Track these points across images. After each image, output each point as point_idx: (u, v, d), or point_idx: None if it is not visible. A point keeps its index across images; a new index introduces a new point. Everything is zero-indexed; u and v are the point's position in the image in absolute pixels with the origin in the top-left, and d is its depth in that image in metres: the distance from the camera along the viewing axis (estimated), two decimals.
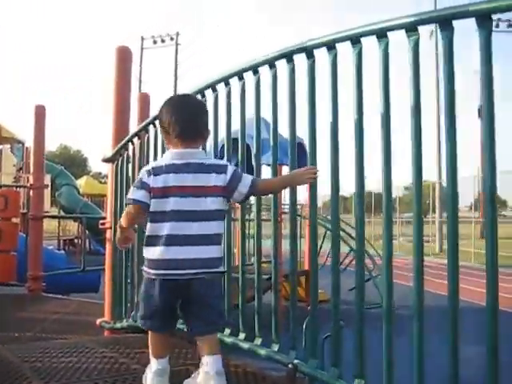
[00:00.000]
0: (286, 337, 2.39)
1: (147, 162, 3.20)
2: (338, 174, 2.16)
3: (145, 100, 5.56)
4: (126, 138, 3.75)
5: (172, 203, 2.14)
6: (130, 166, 3.70)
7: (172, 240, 2.13)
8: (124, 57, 4.20)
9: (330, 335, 2.47)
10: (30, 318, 5.12)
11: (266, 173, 2.77)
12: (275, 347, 2.40)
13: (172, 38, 36.05)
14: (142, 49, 35.76)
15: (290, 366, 2.22)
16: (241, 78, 2.64)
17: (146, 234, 2.21)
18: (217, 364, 2.12)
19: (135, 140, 3.66)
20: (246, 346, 2.51)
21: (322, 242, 9.35)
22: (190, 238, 2.13)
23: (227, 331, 2.67)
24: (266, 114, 2.60)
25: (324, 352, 2.25)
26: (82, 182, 21.84)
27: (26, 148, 16.14)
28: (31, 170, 7.29)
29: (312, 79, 2.23)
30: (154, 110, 3.40)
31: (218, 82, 2.77)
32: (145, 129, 3.50)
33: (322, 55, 2.24)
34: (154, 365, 2.20)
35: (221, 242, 2.25)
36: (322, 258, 8.52)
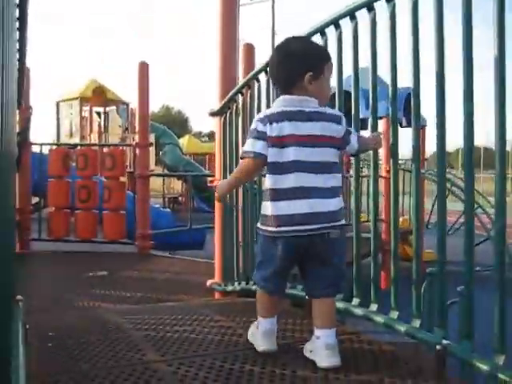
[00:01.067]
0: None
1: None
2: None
3: (250, 51, 5.25)
4: (235, 89, 3.47)
5: (292, 153, 1.90)
6: (240, 119, 3.43)
7: (296, 193, 1.90)
8: (230, 1, 3.89)
9: (455, 302, 2.11)
10: (140, 277, 5.12)
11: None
12: (417, 323, 2.04)
13: None
14: (238, 5, 35.32)
15: (438, 347, 1.86)
16: (371, 9, 2.25)
17: (267, 187, 1.97)
18: (329, 338, 1.92)
19: (244, 91, 3.39)
20: (380, 319, 2.17)
21: (435, 200, 8.78)
22: (314, 190, 1.90)
23: (356, 301, 2.36)
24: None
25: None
26: (184, 141, 22.16)
27: (131, 109, 16.53)
28: (136, 130, 7.27)
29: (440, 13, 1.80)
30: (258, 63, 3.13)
31: (343, 16, 2.39)
32: (255, 78, 3.20)
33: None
34: (262, 323, 2.04)
35: (341, 195, 2.00)
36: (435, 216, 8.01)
